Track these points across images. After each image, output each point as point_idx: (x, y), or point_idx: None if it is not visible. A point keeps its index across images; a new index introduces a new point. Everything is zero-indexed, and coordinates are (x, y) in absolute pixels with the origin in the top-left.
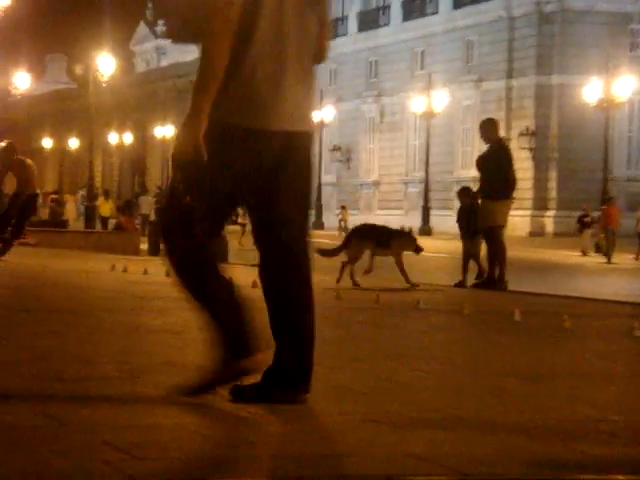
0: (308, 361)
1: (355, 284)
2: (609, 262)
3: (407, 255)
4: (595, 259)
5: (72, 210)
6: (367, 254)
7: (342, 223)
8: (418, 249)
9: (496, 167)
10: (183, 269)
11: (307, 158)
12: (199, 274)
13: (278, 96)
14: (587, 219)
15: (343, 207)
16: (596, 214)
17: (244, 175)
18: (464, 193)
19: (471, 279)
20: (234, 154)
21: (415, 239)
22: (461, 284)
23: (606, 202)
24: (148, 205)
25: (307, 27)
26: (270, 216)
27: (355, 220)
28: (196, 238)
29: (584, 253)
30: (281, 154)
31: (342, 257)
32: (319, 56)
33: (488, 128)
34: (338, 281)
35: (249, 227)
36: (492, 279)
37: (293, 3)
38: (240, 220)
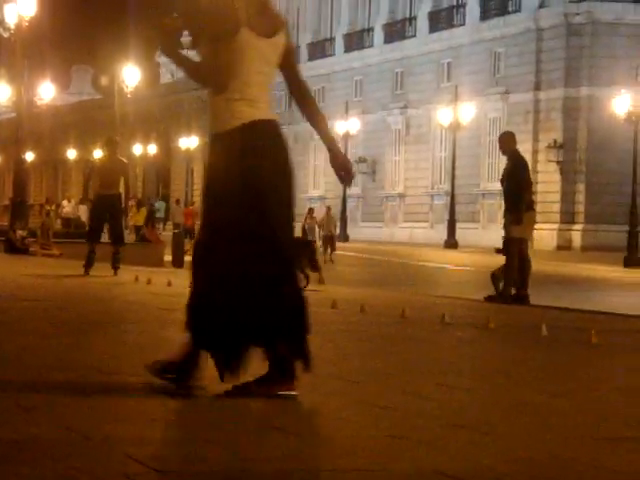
0: None
1: None
2: None
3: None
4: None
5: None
6: None
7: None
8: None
9: (515, 183)
10: None
11: None
12: None
13: None
14: None
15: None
16: None
17: None
18: None
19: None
20: None
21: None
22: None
23: None
24: (179, 215)
25: None
26: None
27: (380, 233)
28: None
29: None
30: None
31: None
32: None
33: (506, 140)
34: None
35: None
36: (506, 293)
37: None
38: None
